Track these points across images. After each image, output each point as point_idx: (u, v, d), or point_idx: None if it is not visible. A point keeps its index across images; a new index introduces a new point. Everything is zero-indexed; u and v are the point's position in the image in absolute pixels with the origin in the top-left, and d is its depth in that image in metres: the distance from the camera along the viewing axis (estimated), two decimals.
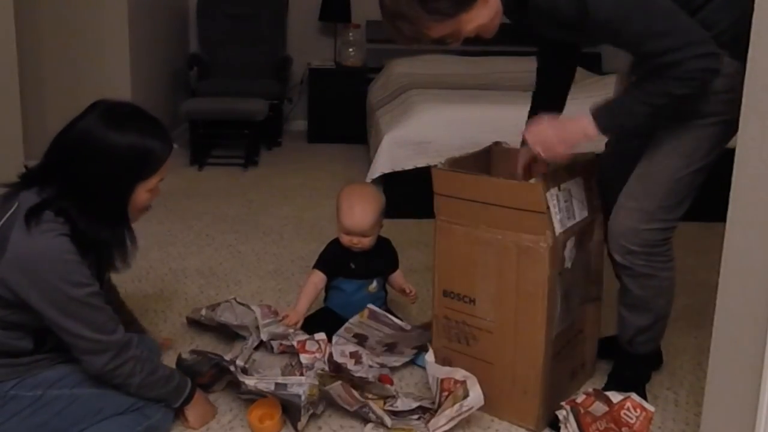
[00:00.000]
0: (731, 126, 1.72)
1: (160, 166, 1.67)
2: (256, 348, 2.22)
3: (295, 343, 2.11)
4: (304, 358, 2.04)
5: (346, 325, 2.18)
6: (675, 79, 1.62)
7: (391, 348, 2.20)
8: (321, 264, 2.39)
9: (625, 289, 1.89)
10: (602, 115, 1.71)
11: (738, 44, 1.51)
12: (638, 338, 1.92)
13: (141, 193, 1.66)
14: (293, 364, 2.08)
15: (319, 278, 2.37)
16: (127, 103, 1.72)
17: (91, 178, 1.61)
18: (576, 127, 1.73)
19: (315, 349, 2.07)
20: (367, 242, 2.34)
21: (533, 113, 2.07)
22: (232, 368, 1.93)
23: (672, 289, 1.89)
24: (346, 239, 2.33)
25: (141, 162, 1.63)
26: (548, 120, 1.78)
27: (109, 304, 1.72)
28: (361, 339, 2.17)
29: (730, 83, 1.66)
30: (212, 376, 2.03)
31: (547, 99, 2.07)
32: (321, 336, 2.12)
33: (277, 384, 1.87)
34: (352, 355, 2.10)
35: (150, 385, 1.77)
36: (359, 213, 2.30)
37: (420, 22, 1.63)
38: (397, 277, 2.48)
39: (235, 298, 2.47)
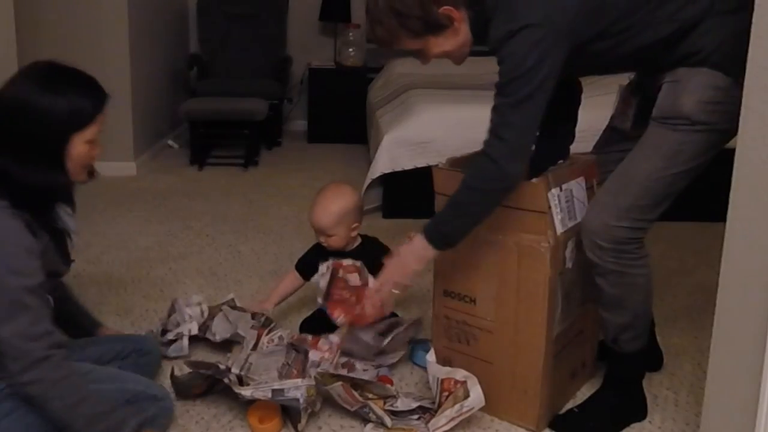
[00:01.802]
0: (720, 136, 1.76)
1: (93, 119, 1.66)
2: (253, 348, 2.21)
3: (310, 337, 2.11)
4: (314, 354, 2.04)
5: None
6: (473, 174, 1.78)
7: (380, 350, 2.19)
8: (299, 264, 2.46)
9: (599, 289, 1.89)
10: (430, 231, 1.84)
11: (728, 62, 1.54)
12: (622, 337, 1.92)
13: (78, 144, 1.65)
14: (290, 363, 2.08)
15: (293, 277, 2.45)
16: (54, 62, 1.72)
17: (27, 132, 1.61)
18: (411, 255, 1.89)
19: (326, 348, 2.07)
20: (333, 242, 2.34)
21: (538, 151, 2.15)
22: (226, 380, 1.93)
23: (648, 286, 1.88)
24: (316, 236, 2.37)
25: (73, 117, 1.63)
26: (393, 258, 1.94)
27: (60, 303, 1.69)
28: (359, 344, 2.14)
29: (722, 96, 1.69)
30: (208, 385, 2.04)
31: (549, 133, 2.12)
32: (335, 338, 2.12)
33: (273, 390, 1.87)
34: (344, 365, 2.10)
35: (75, 417, 1.59)
36: (319, 211, 2.33)
37: (393, 33, 1.80)
38: None
39: (228, 303, 2.44)
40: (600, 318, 1.96)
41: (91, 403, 1.62)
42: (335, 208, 2.32)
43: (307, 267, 2.43)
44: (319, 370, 1.98)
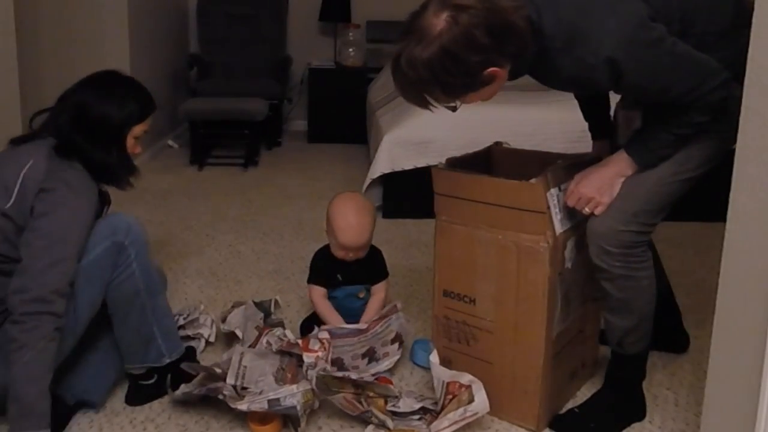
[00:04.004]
0: (726, 142, 1.76)
1: (143, 119, 2.03)
2: (251, 345, 2.21)
3: (300, 342, 2.10)
4: (307, 357, 2.03)
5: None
6: (696, 110, 1.70)
7: (370, 355, 2.17)
8: (316, 279, 2.35)
9: (606, 294, 1.89)
10: (641, 154, 1.80)
11: (740, 70, 1.54)
12: (626, 339, 1.92)
13: (129, 139, 2.02)
14: (284, 367, 2.06)
15: (321, 292, 2.33)
16: (115, 72, 2.07)
17: (92, 127, 1.97)
18: (613, 173, 1.82)
19: (318, 348, 2.06)
20: (363, 253, 2.31)
21: (593, 133, 2.22)
22: (220, 397, 1.91)
23: (651, 289, 1.88)
24: (341, 254, 2.28)
25: (127, 119, 2.00)
26: (583, 178, 1.84)
27: None
28: (338, 364, 2.11)
29: (735, 103, 1.68)
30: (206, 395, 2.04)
31: (594, 116, 2.21)
32: (324, 335, 2.11)
33: (269, 401, 1.86)
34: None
35: (34, 370, 1.72)
36: (357, 230, 2.24)
37: (432, 96, 1.69)
38: (376, 291, 2.37)
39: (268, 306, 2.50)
40: (605, 322, 1.96)
41: (48, 367, 1.75)
42: (369, 223, 2.27)
43: (323, 278, 2.35)
44: (318, 371, 1.96)
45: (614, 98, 2.09)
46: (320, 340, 2.08)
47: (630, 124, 2.02)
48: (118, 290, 1.94)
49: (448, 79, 1.63)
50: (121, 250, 1.91)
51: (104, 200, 2.04)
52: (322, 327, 2.16)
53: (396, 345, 2.20)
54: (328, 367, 1.98)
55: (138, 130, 2.02)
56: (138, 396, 2.06)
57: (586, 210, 1.82)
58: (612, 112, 2.17)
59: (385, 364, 2.16)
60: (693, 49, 1.66)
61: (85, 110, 1.96)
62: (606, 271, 1.83)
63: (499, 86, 1.72)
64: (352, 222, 2.24)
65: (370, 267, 2.36)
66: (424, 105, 1.72)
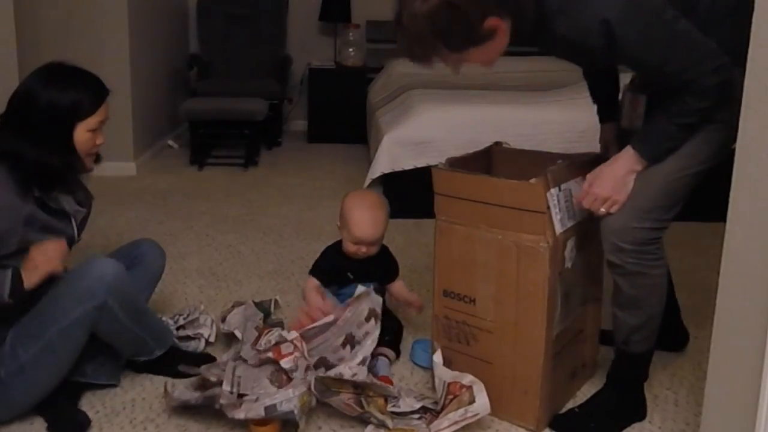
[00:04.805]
0: (732, 132, 1.73)
1: (94, 110, 1.95)
2: (254, 343, 2.19)
3: (270, 354, 2.02)
4: (285, 362, 1.99)
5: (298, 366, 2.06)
6: (693, 96, 1.69)
7: (350, 341, 2.12)
8: (317, 272, 2.34)
9: (618, 288, 1.89)
10: (646, 148, 1.79)
11: (744, 53, 1.54)
12: (633, 337, 1.92)
13: (82, 132, 1.94)
14: (278, 369, 2.03)
15: (315, 284, 2.33)
16: (63, 63, 2.01)
17: (36, 120, 1.91)
18: (624, 170, 1.81)
19: (292, 350, 2.02)
20: (374, 250, 2.31)
21: (601, 116, 2.22)
22: (217, 406, 1.90)
23: (663, 288, 1.89)
24: (353, 248, 2.28)
25: (74, 108, 1.92)
26: (596, 178, 1.84)
27: None
28: (324, 364, 2.07)
29: (736, 90, 1.67)
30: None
31: (602, 99, 2.21)
32: (293, 335, 2.06)
33: (266, 408, 1.85)
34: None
35: None
36: (372, 224, 2.26)
37: (433, 50, 1.72)
38: (398, 288, 2.41)
39: (267, 304, 2.52)
40: (613, 318, 1.96)
41: None
42: (384, 218, 2.28)
43: (327, 275, 2.35)
44: (309, 374, 1.95)
45: (623, 81, 2.09)
46: (291, 342, 2.03)
47: (636, 108, 2.01)
48: (100, 330, 1.97)
49: (449, 30, 1.65)
50: (103, 309, 1.91)
51: (67, 217, 2.03)
52: (290, 330, 2.12)
53: (372, 321, 2.13)
54: (309, 364, 1.96)
55: (93, 122, 1.94)
56: (134, 363, 2.16)
57: (602, 210, 1.82)
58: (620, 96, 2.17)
59: (368, 343, 2.09)
60: (694, 29, 1.66)
61: (31, 99, 1.90)
62: (620, 267, 1.83)
63: (501, 45, 1.73)
64: (367, 215, 2.27)
65: (381, 265, 2.37)
66: (428, 62, 1.75)
